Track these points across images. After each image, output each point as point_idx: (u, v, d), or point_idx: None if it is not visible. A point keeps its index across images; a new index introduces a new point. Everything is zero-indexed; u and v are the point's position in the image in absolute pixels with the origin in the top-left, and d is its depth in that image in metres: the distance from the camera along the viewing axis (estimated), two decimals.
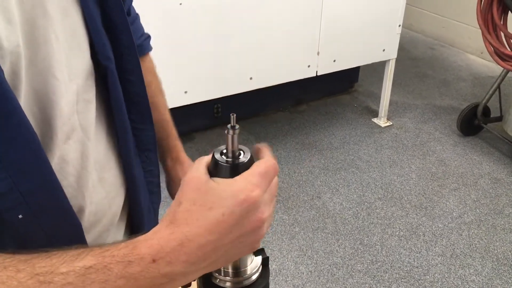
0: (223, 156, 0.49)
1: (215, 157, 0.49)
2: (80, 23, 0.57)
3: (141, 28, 0.84)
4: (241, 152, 0.49)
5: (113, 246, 0.43)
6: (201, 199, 0.43)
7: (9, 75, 0.47)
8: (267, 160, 0.47)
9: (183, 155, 0.92)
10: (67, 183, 0.57)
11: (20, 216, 0.49)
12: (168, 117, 0.90)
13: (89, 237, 0.60)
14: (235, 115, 0.47)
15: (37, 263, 0.42)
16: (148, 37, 0.86)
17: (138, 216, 0.73)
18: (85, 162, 0.59)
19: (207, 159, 0.48)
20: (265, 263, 0.57)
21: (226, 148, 0.49)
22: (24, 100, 0.50)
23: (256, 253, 0.58)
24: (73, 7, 0.56)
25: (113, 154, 0.67)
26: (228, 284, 0.55)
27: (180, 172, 0.91)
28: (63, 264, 0.42)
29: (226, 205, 0.43)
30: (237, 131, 0.47)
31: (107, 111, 0.64)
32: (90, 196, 0.60)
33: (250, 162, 0.49)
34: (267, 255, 0.58)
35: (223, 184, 0.44)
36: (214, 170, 0.49)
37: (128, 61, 0.65)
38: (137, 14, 0.82)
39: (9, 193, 0.47)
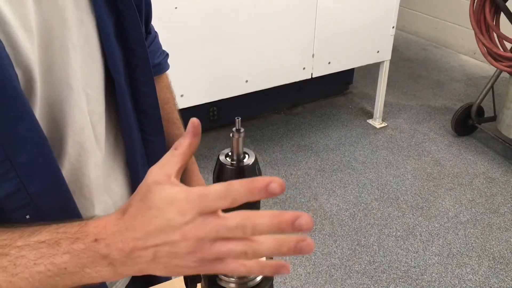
0: (227, 159, 0.50)
1: (220, 160, 0.49)
2: (94, 34, 0.58)
3: (160, 46, 0.85)
4: (246, 155, 0.50)
5: (69, 223, 0.45)
6: (149, 197, 0.43)
7: (24, 80, 0.48)
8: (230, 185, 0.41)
9: (196, 168, 0.93)
10: (80, 194, 0.57)
11: (27, 217, 0.50)
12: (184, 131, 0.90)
13: None
14: (239, 118, 0.48)
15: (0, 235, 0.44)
16: (167, 55, 0.87)
17: None
18: (97, 172, 0.60)
19: (178, 159, 0.45)
20: None
21: (231, 151, 0.49)
22: (39, 106, 0.50)
23: None
24: (88, 17, 0.56)
25: (120, 165, 0.67)
26: (233, 285, 0.56)
27: (194, 184, 0.92)
28: (20, 238, 0.44)
29: (161, 209, 0.42)
30: (242, 134, 0.48)
31: (116, 122, 0.65)
32: (98, 205, 0.61)
33: (255, 165, 0.50)
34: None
35: (170, 190, 0.43)
36: (219, 172, 0.50)
37: (142, 73, 0.65)
38: (156, 32, 0.83)
39: (17, 194, 0.48)
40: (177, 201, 0.42)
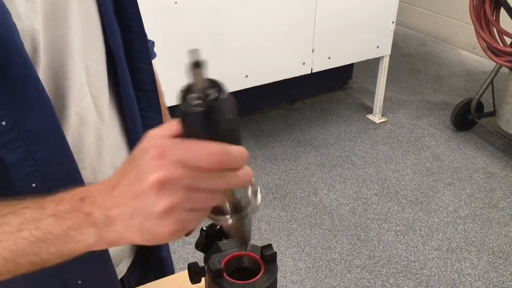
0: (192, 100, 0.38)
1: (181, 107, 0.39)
2: (93, 8, 0.59)
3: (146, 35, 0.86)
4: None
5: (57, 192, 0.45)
6: (133, 152, 0.42)
7: (29, 51, 0.48)
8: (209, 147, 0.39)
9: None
10: (83, 165, 0.58)
11: (33, 185, 0.50)
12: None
13: None
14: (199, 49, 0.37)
15: None
16: (153, 43, 0.88)
17: None
18: (100, 147, 0.61)
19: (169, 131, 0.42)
20: (273, 258, 0.58)
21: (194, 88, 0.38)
22: (42, 75, 0.51)
23: (263, 248, 0.58)
24: None
25: (125, 141, 0.68)
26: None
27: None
28: (6, 207, 0.44)
29: (137, 157, 0.41)
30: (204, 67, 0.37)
31: (119, 98, 0.66)
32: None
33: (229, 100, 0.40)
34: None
35: (153, 140, 0.41)
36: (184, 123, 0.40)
37: (138, 49, 0.66)
38: None
39: (24, 161, 0.49)
40: (155, 146, 0.39)
